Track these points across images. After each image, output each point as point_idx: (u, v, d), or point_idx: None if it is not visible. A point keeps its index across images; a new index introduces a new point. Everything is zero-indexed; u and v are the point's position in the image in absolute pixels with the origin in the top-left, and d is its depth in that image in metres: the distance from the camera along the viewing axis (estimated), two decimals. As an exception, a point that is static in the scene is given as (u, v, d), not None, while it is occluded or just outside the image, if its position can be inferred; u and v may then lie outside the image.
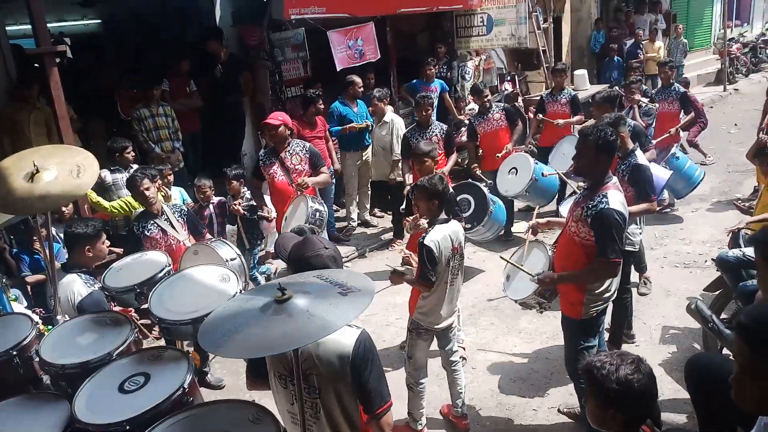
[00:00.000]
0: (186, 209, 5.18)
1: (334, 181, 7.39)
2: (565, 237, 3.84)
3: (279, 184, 5.61)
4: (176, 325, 3.15)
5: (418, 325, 4.13)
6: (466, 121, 9.58)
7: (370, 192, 8.44)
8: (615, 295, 3.90)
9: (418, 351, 4.15)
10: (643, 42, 13.76)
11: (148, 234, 4.70)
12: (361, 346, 2.35)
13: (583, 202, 3.68)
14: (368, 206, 8.46)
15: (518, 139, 7.68)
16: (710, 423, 2.89)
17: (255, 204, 6.18)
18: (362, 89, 7.89)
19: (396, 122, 7.49)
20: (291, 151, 5.61)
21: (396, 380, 4.24)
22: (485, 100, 7.42)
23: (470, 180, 6.75)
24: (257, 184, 5.99)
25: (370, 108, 7.57)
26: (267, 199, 6.16)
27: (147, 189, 4.74)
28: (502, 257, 4.27)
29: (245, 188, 6.35)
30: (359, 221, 8.33)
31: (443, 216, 4.08)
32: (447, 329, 4.20)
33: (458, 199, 6.08)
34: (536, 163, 6.83)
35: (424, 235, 3.97)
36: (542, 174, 6.77)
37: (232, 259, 4.27)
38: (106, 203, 5.73)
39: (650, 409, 2.16)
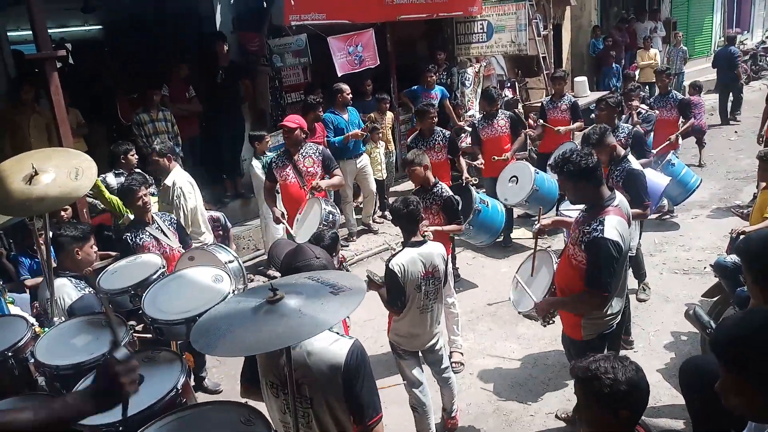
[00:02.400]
0: (174, 218, 5.20)
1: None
2: (565, 257, 3.75)
3: (291, 186, 5.68)
4: (169, 325, 3.15)
5: (395, 346, 4.08)
6: (467, 128, 9.62)
7: (377, 197, 8.43)
8: (619, 317, 3.75)
9: (406, 370, 4.08)
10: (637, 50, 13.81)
11: (140, 243, 4.70)
12: (354, 357, 2.32)
13: (582, 223, 3.57)
14: (372, 212, 8.45)
15: (519, 148, 7.67)
16: (704, 425, 2.88)
17: None
18: (350, 95, 7.83)
19: (178, 182, 5.46)
20: (304, 154, 5.69)
21: (394, 383, 4.25)
22: (495, 108, 7.37)
23: (465, 184, 6.50)
24: (269, 186, 5.97)
25: (151, 166, 5.80)
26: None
27: (145, 196, 4.77)
28: (516, 277, 4.24)
29: None
30: (364, 225, 8.35)
31: (416, 238, 4.00)
32: (431, 348, 4.14)
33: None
34: (537, 173, 6.78)
35: (390, 257, 3.92)
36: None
37: (230, 262, 4.27)
38: (108, 194, 5.69)
39: (646, 402, 2.24)
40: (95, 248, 4.09)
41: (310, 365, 2.31)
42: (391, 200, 9.29)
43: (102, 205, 5.92)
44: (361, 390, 2.33)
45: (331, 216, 5.18)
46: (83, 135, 7.12)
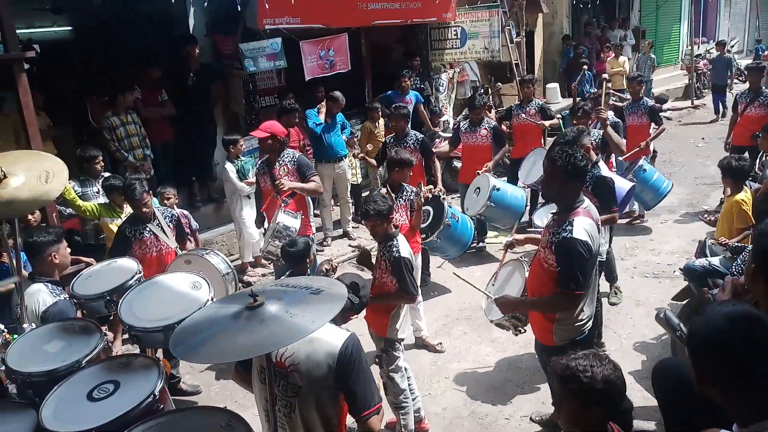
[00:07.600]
0: (174, 214, 5.19)
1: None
2: (537, 260, 3.72)
3: (267, 193, 5.63)
4: (146, 332, 3.11)
5: (393, 341, 4.16)
6: (441, 132, 9.67)
7: (351, 202, 8.38)
8: (590, 323, 3.71)
9: (399, 362, 4.16)
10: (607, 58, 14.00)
11: (140, 237, 4.75)
12: (349, 348, 2.36)
13: (553, 227, 3.56)
14: (350, 218, 8.38)
15: (500, 159, 7.58)
16: (676, 426, 2.93)
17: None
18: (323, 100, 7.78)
19: None
20: (281, 162, 5.57)
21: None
22: (477, 116, 7.29)
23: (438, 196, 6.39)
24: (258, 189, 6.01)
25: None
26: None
27: (147, 201, 4.78)
28: (455, 274, 4.33)
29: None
30: (342, 232, 8.31)
31: (391, 230, 4.14)
32: None
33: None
34: (497, 189, 6.64)
35: (395, 250, 4.02)
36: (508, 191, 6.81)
37: (226, 274, 4.31)
38: (81, 202, 5.62)
39: (623, 401, 2.30)
40: (69, 250, 4.03)
41: (306, 354, 2.33)
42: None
43: (69, 210, 5.81)
44: (355, 381, 2.36)
45: (285, 230, 5.06)
46: (52, 137, 6.99)
